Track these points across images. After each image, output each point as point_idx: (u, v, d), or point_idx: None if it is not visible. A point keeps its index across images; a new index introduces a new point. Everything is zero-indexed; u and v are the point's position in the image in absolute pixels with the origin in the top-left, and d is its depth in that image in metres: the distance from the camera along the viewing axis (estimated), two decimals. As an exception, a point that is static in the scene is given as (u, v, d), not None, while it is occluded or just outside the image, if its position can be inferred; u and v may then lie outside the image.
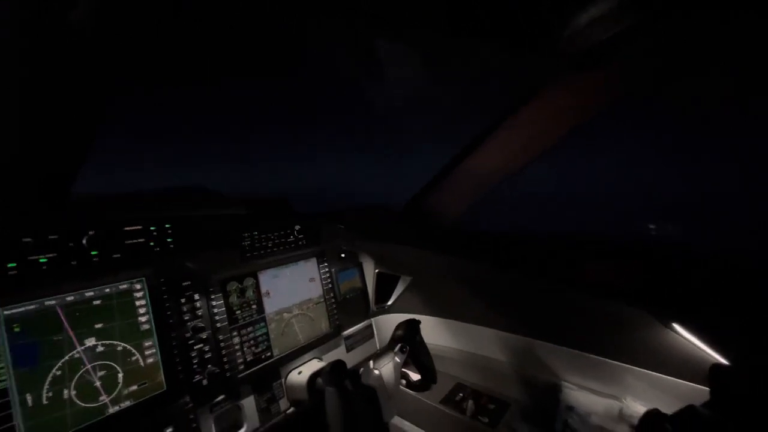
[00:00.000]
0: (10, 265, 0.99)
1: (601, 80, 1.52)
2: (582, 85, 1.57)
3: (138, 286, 1.34)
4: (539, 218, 2.38)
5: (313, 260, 2.01)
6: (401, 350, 1.63)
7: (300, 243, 1.83)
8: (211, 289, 1.56)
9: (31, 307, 1.12)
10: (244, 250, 1.59)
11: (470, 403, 1.87)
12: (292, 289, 1.88)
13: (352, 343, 2.13)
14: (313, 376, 1.72)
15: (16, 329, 1.09)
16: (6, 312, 1.07)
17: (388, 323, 2.27)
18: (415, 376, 2.00)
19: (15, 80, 0.81)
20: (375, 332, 2.30)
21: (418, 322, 1.72)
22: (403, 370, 1.90)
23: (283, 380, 1.76)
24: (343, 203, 2.06)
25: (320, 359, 1.91)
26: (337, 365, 1.35)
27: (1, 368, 1.05)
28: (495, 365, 1.96)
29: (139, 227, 1.23)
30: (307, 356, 1.87)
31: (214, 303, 1.56)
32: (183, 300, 1.46)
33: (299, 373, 1.76)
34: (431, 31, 1.15)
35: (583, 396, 1.62)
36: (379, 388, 1.46)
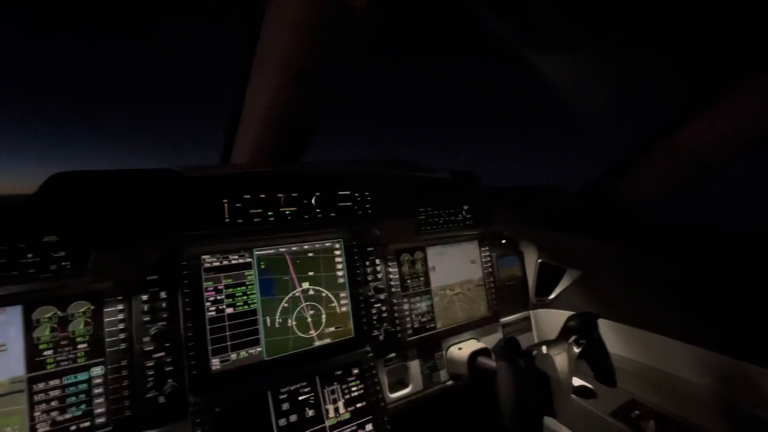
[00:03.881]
0: (269, 213, 1.31)
1: None
2: None
3: (337, 245, 1.59)
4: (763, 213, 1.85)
5: (475, 243, 2.03)
6: (576, 343, 1.51)
7: (467, 223, 1.87)
8: (389, 257, 1.74)
9: (271, 251, 1.45)
10: (420, 224, 1.72)
11: (652, 424, 1.62)
12: (454, 267, 1.95)
13: (509, 332, 2.08)
14: (474, 355, 1.75)
15: (263, 266, 1.43)
16: (257, 252, 1.42)
17: (549, 318, 2.13)
18: (577, 381, 1.83)
19: (294, 67, 1.08)
20: (533, 325, 2.19)
21: (597, 316, 1.57)
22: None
23: (443, 353, 1.84)
24: (512, 182, 1.99)
25: (478, 340, 1.92)
26: (512, 341, 1.34)
27: (253, 294, 1.40)
28: (687, 387, 1.63)
29: (348, 192, 1.46)
30: (465, 335, 1.91)
31: (390, 270, 1.73)
32: (368, 263, 1.68)
33: (459, 349, 1.81)
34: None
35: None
36: (553, 377, 1.38)
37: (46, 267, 1.04)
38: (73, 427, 1.11)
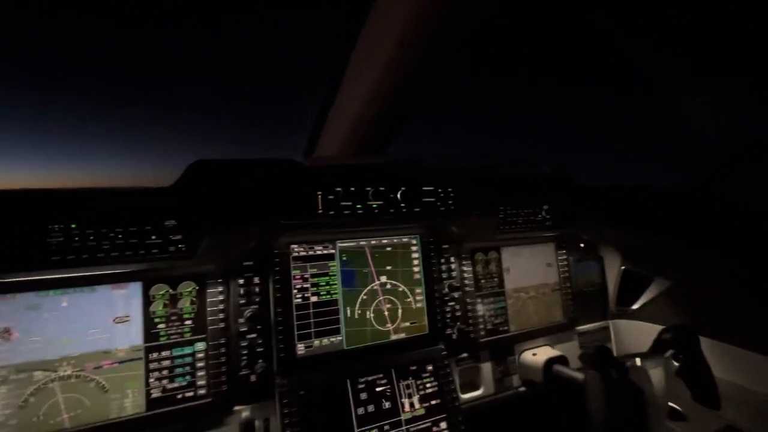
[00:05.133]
0: (357, 206, 1.35)
1: None
2: None
3: (414, 241, 1.59)
4: None
5: (551, 245, 1.94)
6: (674, 358, 1.39)
7: (546, 224, 1.79)
8: (463, 256, 1.71)
9: (352, 243, 1.49)
10: (498, 223, 1.67)
11: (758, 455, 1.44)
12: (529, 270, 1.87)
13: (586, 341, 1.96)
14: (550, 362, 1.67)
15: (344, 258, 1.47)
16: (340, 244, 1.47)
17: (631, 330, 1.98)
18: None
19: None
20: (612, 336, 2.04)
21: (697, 330, 1.42)
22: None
23: (516, 357, 1.78)
24: (600, 181, 1.84)
25: (552, 347, 1.84)
26: (604, 350, 1.26)
27: (335, 284, 1.44)
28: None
29: (432, 188, 1.46)
30: (539, 341, 1.84)
31: (464, 269, 1.71)
32: (443, 260, 1.67)
33: (534, 354, 1.75)
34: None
35: None
36: (648, 393, 1.28)
37: (165, 248, 1.16)
38: (179, 396, 1.22)
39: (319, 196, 1.30)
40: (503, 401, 1.72)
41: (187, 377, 1.24)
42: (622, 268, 2.00)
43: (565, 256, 1.95)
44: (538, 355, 1.73)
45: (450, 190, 1.48)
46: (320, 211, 1.30)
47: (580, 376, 1.46)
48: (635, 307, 1.98)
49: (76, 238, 1.06)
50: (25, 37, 1.31)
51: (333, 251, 1.45)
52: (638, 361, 1.33)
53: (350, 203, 1.33)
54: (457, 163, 1.48)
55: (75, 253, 1.06)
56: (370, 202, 1.36)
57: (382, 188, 1.38)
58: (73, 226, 1.06)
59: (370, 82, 1.22)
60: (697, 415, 1.60)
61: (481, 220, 1.55)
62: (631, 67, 1.54)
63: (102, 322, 1.17)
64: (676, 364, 1.37)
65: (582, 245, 2.03)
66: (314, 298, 1.40)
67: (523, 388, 1.76)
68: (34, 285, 1.09)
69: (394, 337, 1.50)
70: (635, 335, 1.95)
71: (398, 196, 1.40)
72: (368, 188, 1.36)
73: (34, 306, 1.10)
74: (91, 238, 1.08)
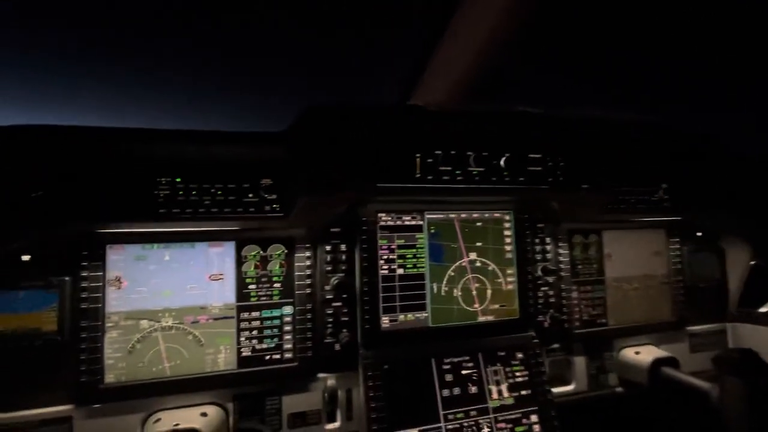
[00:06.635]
0: (457, 171, 1.23)
1: None
2: None
3: (507, 218, 1.45)
4: None
5: (662, 232, 1.69)
6: (839, 373, 1.13)
7: (664, 205, 1.55)
8: (559, 237, 1.54)
9: (440, 216, 1.39)
10: (607, 202, 1.46)
11: None
12: (633, 258, 1.65)
13: (698, 344, 1.70)
14: (658, 363, 1.47)
15: (432, 230, 1.37)
16: (429, 215, 1.37)
17: (756, 337, 1.68)
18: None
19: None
20: (730, 342, 1.75)
21: None
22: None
23: (614, 353, 1.59)
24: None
25: (657, 347, 1.61)
26: (750, 354, 1.05)
27: (422, 258, 1.35)
28: None
29: (540, 156, 1.30)
30: (642, 338, 1.62)
31: (560, 252, 1.54)
32: (537, 240, 1.51)
33: (637, 353, 1.54)
34: None
35: None
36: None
37: (261, 207, 1.14)
38: (267, 357, 1.22)
39: (418, 159, 1.19)
40: (597, 400, 1.55)
41: (275, 339, 1.23)
42: (752, 263, 1.69)
43: (678, 245, 1.69)
44: (642, 354, 1.53)
45: (560, 159, 1.30)
46: (418, 176, 1.20)
47: (703, 383, 1.26)
48: (763, 309, 1.68)
49: (181, 192, 1.07)
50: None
51: (421, 222, 1.36)
52: (793, 372, 1.09)
53: (449, 168, 1.22)
54: (576, 119, 1.26)
55: (179, 207, 1.07)
56: (471, 169, 1.23)
57: (485, 153, 1.24)
58: (179, 180, 1.07)
59: (482, 31, 1.05)
60: None
61: (588, 197, 1.36)
62: None
63: (199, 278, 1.19)
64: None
65: (699, 234, 1.74)
66: (400, 271, 1.32)
67: (620, 389, 1.57)
68: (142, 237, 1.13)
69: (481, 318, 1.39)
70: (761, 342, 1.66)
71: (501, 163, 1.25)
72: (470, 153, 1.23)
73: (141, 257, 1.14)
74: (194, 193, 1.08)
